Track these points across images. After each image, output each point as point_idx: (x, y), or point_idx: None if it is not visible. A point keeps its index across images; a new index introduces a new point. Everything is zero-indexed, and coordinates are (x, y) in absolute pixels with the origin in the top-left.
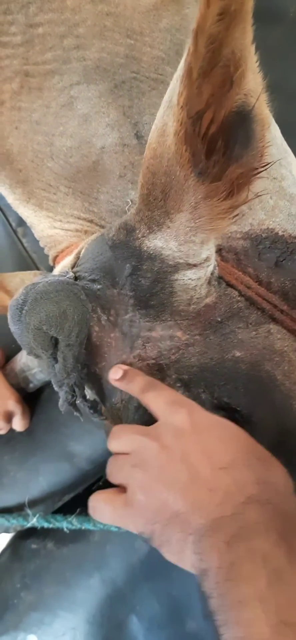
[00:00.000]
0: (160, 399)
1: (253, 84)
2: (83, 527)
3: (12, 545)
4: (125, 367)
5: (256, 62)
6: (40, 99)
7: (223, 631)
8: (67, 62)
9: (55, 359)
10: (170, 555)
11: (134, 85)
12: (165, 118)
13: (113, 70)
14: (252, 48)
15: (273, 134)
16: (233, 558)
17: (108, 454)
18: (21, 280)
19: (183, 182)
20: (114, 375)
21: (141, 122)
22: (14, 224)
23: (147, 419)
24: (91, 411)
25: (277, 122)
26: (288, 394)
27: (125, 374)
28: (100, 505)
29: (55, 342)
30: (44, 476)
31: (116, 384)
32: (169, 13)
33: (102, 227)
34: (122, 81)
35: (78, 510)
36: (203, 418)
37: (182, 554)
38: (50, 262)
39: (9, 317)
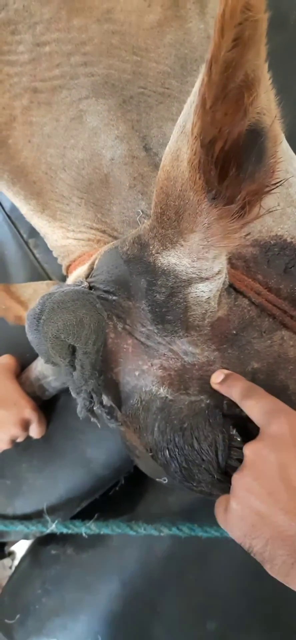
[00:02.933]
0: (259, 407)
1: (266, 101)
2: (101, 532)
3: (32, 551)
4: (227, 371)
5: (270, 79)
6: (50, 113)
7: None
8: (75, 77)
9: (73, 367)
10: (274, 573)
11: (142, 100)
12: (179, 143)
13: (121, 86)
14: (265, 67)
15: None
16: None
17: (124, 459)
18: (34, 291)
19: (196, 206)
20: (216, 378)
21: (149, 135)
22: (25, 236)
23: (172, 420)
24: (108, 417)
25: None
26: None
27: (226, 378)
28: (216, 507)
29: (72, 350)
30: (61, 483)
31: (216, 387)
32: (172, 29)
33: (114, 237)
34: (130, 96)
35: (96, 515)
36: None
37: (288, 577)
38: (64, 272)
39: (26, 326)
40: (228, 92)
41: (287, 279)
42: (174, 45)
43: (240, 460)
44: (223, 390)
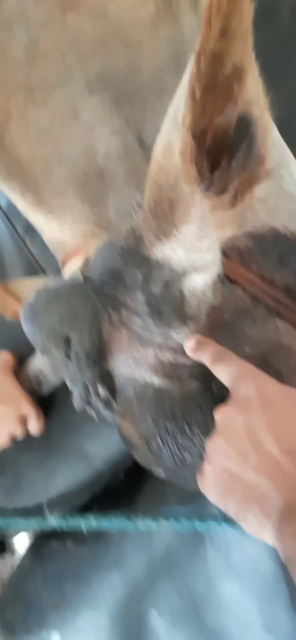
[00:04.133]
0: (229, 371)
1: (255, 91)
2: (101, 526)
3: (33, 546)
4: (200, 337)
5: (257, 69)
6: (46, 110)
7: None
8: (69, 75)
9: (69, 357)
10: (249, 529)
11: (136, 95)
12: (170, 135)
13: (116, 82)
14: (252, 57)
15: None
16: None
17: (123, 453)
18: (31, 287)
19: (189, 197)
20: (189, 343)
21: (144, 130)
22: (20, 232)
23: (164, 407)
24: (104, 408)
25: (274, 120)
26: None
27: (198, 343)
28: (198, 475)
29: (67, 341)
30: (61, 477)
31: (189, 353)
32: (165, 24)
33: (110, 230)
34: (125, 92)
35: (95, 509)
36: (272, 390)
37: (261, 533)
38: (60, 265)
39: (22, 317)
40: (217, 83)
41: (281, 269)
42: (168, 40)
43: None
44: (195, 355)
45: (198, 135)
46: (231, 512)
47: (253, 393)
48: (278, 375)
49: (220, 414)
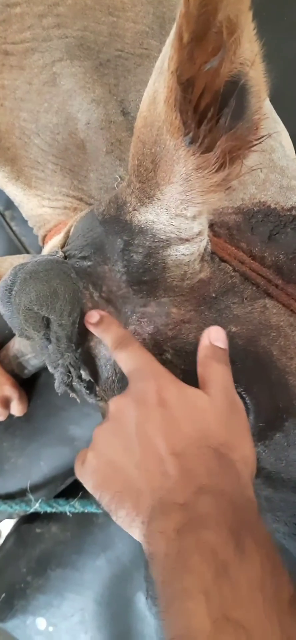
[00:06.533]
0: (130, 360)
1: (250, 52)
2: (86, 510)
3: (17, 531)
4: (103, 312)
5: (254, 29)
6: (23, 76)
7: (164, 617)
8: (47, 40)
9: (48, 340)
10: (119, 524)
11: (119, 63)
12: (156, 85)
13: (98, 49)
14: (249, 14)
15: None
16: (181, 547)
17: None
18: (10, 265)
19: (173, 151)
20: (90, 318)
21: (127, 99)
22: (1, 208)
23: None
24: (87, 391)
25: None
26: (284, 369)
27: (101, 320)
28: (76, 459)
29: (47, 323)
30: (44, 461)
31: (91, 329)
32: None
33: (91, 204)
34: (107, 59)
35: (80, 493)
36: (172, 390)
37: (130, 528)
38: (40, 242)
39: None
40: (208, 31)
41: (271, 246)
42: (152, 3)
43: None
44: (97, 332)
45: (185, 82)
46: (104, 504)
47: (151, 389)
48: (269, 355)
49: (114, 403)
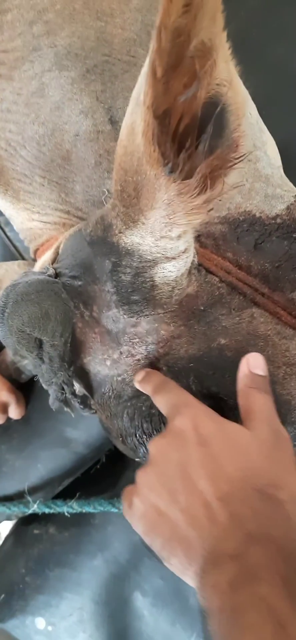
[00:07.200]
0: (167, 400)
1: (226, 72)
2: (83, 511)
3: (15, 532)
4: (148, 369)
5: (229, 49)
6: (11, 87)
7: None
8: (38, 48)
9: (41, 360)
10: (172, 570)
11: (106, 68)
12: (134, 116)
13: (85, 54)
14: (224, 35)
15: (248, 114)
16: (237, 603)
17: (105, 437)
18: (5, 271)
19: (154, 180)
20: (137, 377)
21: (115, 107)
22: None
23: (140, 406)
24: (81, 406)
25: (254, 94)
26: (271, 379)
27: (145, 375)
28: (123, 500)
29: (39, 343)
30: (42, 463)
31: (137, 386)
32: None
33: (80, 218)
34: (94, 65)
35: (77, 494)
36: (209, 425)
37: (184, 576)
38: (32, 255)
39: None
40: (183, 59)
41: (258, 255)
42: (140, 11)
43: None
44: (141, 387)
45: (161, 114)
46: (156, 550)
47: (189, 426)
48: None
49: (154, 445)
